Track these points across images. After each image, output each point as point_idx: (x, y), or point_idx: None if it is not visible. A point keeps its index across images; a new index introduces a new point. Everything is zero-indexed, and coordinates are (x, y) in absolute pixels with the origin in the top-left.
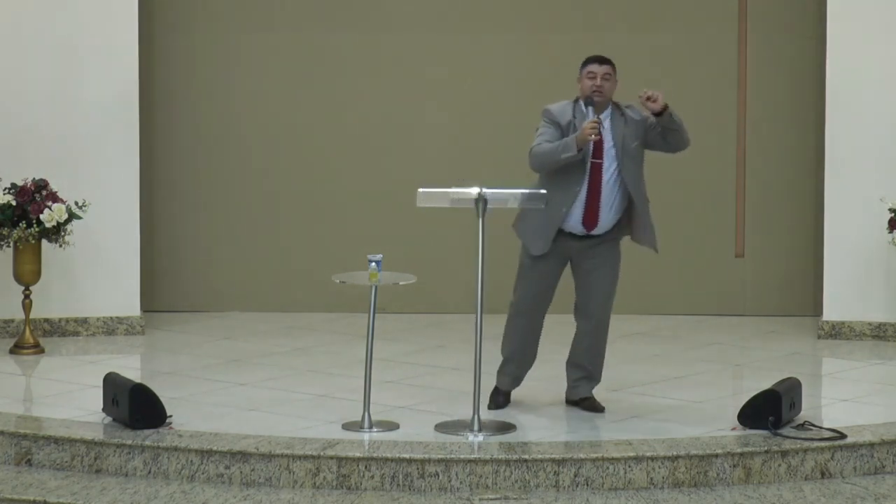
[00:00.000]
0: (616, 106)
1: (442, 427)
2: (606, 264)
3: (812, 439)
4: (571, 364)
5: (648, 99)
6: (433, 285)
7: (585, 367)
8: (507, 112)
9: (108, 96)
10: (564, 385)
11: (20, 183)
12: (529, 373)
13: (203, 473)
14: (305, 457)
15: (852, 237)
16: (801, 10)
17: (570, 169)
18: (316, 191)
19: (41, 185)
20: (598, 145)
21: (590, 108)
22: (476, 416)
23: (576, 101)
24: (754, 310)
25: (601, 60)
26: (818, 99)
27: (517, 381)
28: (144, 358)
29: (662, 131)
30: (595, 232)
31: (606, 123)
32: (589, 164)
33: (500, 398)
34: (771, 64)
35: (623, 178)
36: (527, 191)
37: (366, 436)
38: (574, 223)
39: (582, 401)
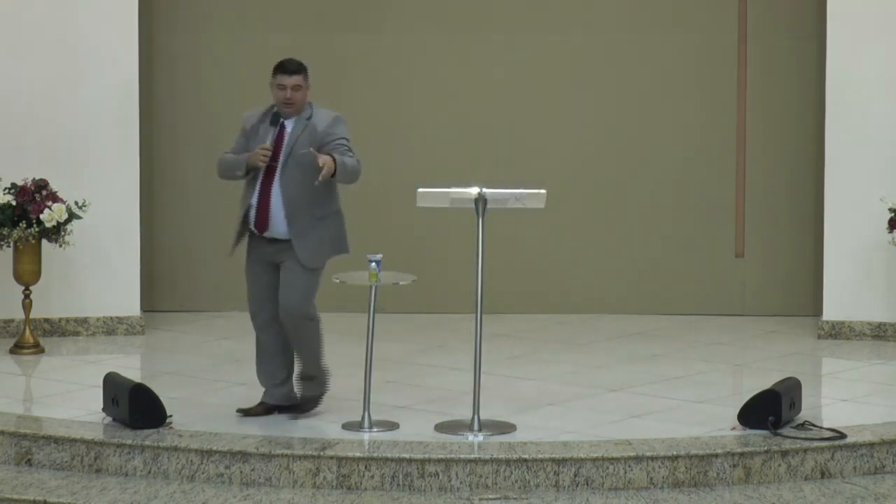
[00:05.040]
0: (309, 108)
1: (442, 427)
2: (290, 271)
3: (812, 439)
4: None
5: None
6: (433, 285)
7: (302, 370)
8: (507, 112)
9: (108, 96)
10: (564, 385)
11: (20, 183)
12: (528, 372)
13: (203, 473)
14: (305, 457)
15: (852, 237)
16: (801, 10)
17: (254, 172)
18: None
19: (41, 185)
20: (277, 149)
21: (272, 130)
22: (476, 416)
23: (271, 107)
24: (754, 310)
25: (291, 70)
26: (818, 99)
27: (270, 392)
28: (144, 358)
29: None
30: (273, 235)
31: (289, 127)
32: (264, 167)
33: (255, 406)
34: (771, 64)
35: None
36: (527, 191)
37: (366, 436)
38: (253, 225)
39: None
